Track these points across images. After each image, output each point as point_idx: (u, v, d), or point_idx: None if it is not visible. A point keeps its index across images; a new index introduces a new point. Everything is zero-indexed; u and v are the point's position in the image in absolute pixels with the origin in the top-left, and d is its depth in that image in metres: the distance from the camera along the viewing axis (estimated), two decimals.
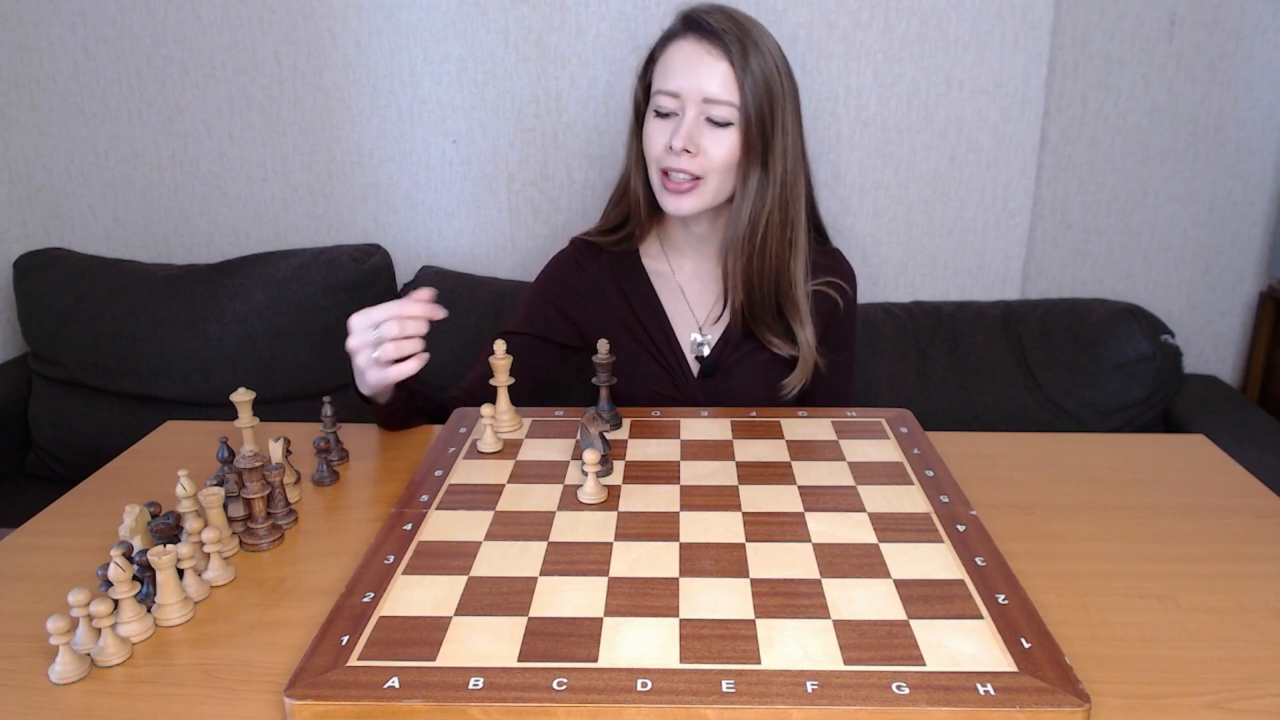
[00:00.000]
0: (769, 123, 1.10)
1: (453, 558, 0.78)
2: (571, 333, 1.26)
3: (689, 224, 1.21)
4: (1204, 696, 0.64)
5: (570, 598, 0.71)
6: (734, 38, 1.08)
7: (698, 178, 1.11)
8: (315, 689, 0.62)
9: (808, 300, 1.19)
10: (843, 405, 1.27)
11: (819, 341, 1.21)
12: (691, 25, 1.11)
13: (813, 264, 1.22)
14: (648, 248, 1.27)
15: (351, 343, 1.00)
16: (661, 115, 1.12)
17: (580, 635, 0.67)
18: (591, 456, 0.87)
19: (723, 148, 1.10)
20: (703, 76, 1.09)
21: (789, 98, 1.13)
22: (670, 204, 1.13)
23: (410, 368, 0.99)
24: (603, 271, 1.26)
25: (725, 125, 1.10)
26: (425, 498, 0.88)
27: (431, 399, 1.14)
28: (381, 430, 1.11)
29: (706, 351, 1.23)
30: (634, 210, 1.22)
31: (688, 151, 1.09)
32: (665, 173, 1.12)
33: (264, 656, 0.69)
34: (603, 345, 1.03)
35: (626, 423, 1.05)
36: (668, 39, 1.14)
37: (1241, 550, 0.83)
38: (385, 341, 0.97)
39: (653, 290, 1.25)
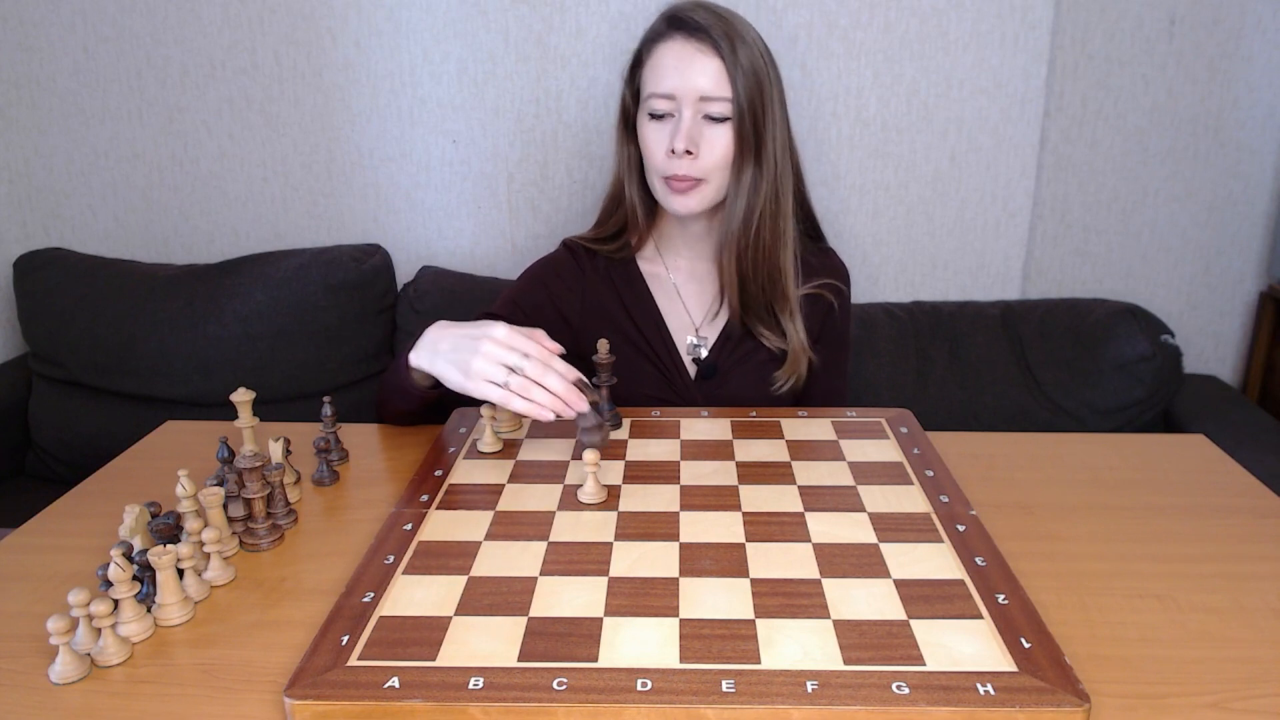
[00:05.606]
0: (760, 114, 1.10)
1: (453, 558, 0.78)
2: (565, 332, 1.26)
3: (686, 222, 1.21)
4: (1204, 696, 0.64)
5: (570, 598, 0.71)
6: (720, 32, 1.08)
7: (700, 180, 1.11)
8: (315, 689, 0.62)
9: (798, 294, 1.19)
10: (837, 404, 1.27)
11: (816, 341, 1.21)
12: (676, 24, 1.11)
13: (805, 264, 1.21)
14: (642, 250, 1.27)
15: (490, 348, 0.92)
16: (656, 118, 1.12)
17: (580, 635, 0.67)
18: (591, 456, 0.87)
19: (722, 144, 1.10)
20: (695, 74, 1.08)
21: (775, 86, 1.13)
22: (676, 204, 1.13)
23: (522, 406, 0.91)
24: (598, 275, 1.25)
25: (722, 121, 1.10)
26: (425, 498, 0.88)
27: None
28: (382, 424, 1.11)
29: (703, 354, 1.23)
30: (630, 218, 1.22)
31: (689, 153, 1.09)
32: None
33: (264, 656, 0.69)
34: (603, 345, 1.03)
35: (626, 423, 1.05)
36: (652, 41, 1.13)
37: (1241, 550, 0.83)
38: (525, 376, 0.91)
39: (649, 293, 1.24)
